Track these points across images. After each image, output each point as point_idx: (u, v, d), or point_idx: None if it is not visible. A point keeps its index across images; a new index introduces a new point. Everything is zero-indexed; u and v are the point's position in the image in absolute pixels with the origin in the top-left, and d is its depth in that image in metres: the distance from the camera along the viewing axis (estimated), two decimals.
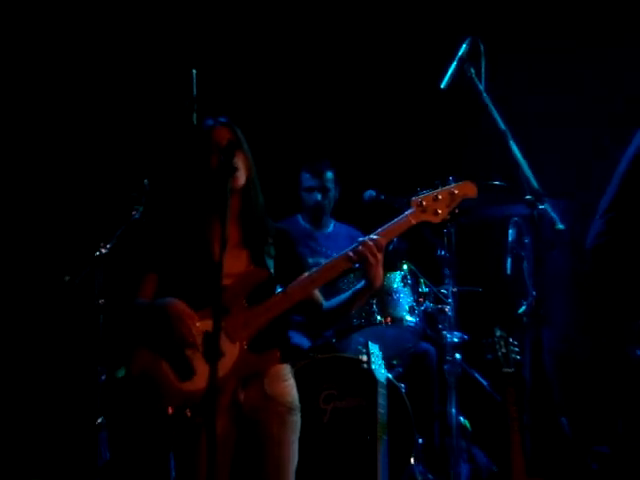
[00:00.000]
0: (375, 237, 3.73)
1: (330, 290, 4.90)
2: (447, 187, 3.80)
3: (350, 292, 3.90)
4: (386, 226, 3.78)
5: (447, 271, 5.78)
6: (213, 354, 3.39)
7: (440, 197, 3.76)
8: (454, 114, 5.80)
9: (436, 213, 3.76)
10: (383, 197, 5.75)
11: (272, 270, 3.89)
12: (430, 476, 5.54)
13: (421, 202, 3.75)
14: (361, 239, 3.74)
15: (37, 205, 6.32)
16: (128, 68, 6.40)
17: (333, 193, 6.20)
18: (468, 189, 3.80)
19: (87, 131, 6.35)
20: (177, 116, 5.04)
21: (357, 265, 3.80)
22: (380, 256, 3.72)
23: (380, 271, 3.74)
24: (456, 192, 3.78)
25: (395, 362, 5.72)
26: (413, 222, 3.76)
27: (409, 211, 3.77)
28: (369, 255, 3.70)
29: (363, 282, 3.81)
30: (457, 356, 5.75)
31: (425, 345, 5.93)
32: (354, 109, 6.66)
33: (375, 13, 6.64)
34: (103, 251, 5.06)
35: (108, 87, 6.37)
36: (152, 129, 5.84)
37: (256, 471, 3.80)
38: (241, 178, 3.86)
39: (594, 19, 6.27)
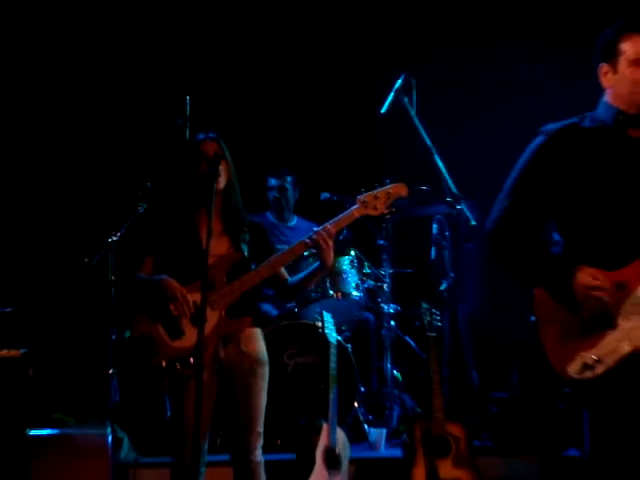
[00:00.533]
0: (327, 227, 3.65)
1: (293, 270, 4.84)
2: (384, 187, 3.71)
3: (308, 271, 3.83)
4: (335, 218, 3.69)
5: (385, 256, 5.77)
6: (200, 320, 3.31)
7: (379, 195, 3.68)
8: (392, 133, 5.76)
9: (375, 208, 3.67)
10: (336, 198, 5.74)
11: (246, 253, 3.79)
12: (370, 416, 5.51)
13: (364, 200, 3.67)
14: (316, 229, 3.66)
15: (65, 203, 6.28)
16: (138, 99, 6.38)
17: (291, 192, 6.14)
18: (401, 189, 3.71)
19: (105, 148, 6.33)
20: (174, 132, 5.02)
21: (313, 250, 3.74)
22: (331, 242, 3.64)
23: (331, 254, 3.66)
24: (391, 191, 3.69)
25: (344, 327, 5.68)
26: (356, 215, 3.68)
27: (354, 207, 3.69)
28: (322, 242, 3.62)
29: (318, 263, 3.73)
30: (392, 323, 5.74)
31: (367, 314, 5.89)
32: (315, 129, 6.63)
33: (329, 49, 6.59)
34: (115, 238, 5.01)
35: (124, 114, 6.36)
36: (155, 143, 5.79)
37: (233, 412, 3.73)
38: (222, 182, 3.76)
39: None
